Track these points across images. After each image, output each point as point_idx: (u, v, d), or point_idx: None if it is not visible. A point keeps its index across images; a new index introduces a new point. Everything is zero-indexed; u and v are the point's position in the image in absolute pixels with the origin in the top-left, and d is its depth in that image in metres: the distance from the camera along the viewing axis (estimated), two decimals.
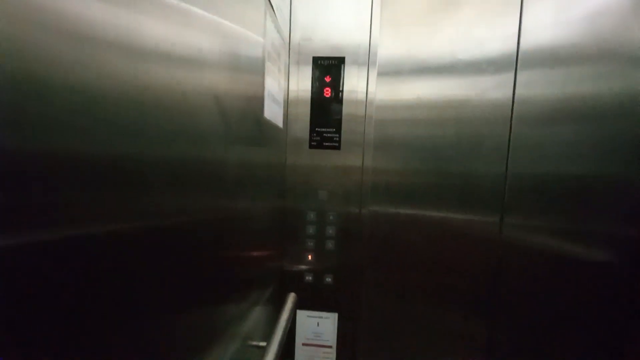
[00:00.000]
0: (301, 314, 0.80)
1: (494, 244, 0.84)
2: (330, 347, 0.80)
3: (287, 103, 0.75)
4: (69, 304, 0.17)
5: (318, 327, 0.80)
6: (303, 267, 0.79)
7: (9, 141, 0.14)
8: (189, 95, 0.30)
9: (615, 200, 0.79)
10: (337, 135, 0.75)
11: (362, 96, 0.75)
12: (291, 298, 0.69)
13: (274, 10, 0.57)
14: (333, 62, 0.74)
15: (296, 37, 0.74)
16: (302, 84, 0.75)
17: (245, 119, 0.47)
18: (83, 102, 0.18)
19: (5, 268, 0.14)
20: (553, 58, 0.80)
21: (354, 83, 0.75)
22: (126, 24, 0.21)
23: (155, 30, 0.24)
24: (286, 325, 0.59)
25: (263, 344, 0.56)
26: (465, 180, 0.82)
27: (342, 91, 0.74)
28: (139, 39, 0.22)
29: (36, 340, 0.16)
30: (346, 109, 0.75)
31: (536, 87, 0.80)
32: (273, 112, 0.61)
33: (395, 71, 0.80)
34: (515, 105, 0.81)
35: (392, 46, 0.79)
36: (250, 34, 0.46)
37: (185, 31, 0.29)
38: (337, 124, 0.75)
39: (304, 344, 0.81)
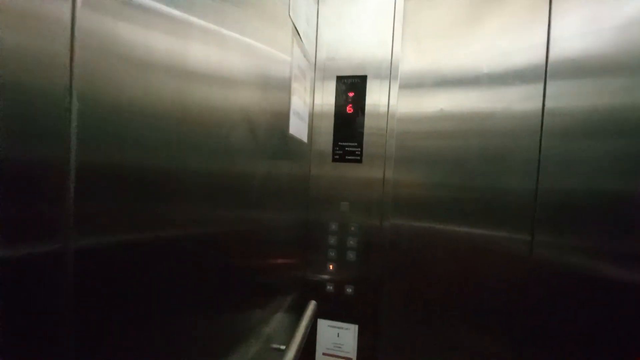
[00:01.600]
0: (322, 323, 0.82)
1: (524, 262, 0.80)
2: (350, 358, 0.81)
3: (312, 118, 0.80)
4: (105, 307, 0.21)
5: (338, 338, 0.81)
6: (324, 276, 0.81)
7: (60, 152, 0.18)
8: (224, 113, 0.35)
9: None
10: (359, 149, 0.78)
11: (383, 110, 0.77)
12: (312, 305, 0.71)
13: (300, 36, 0.62)
14: (356, 80, 0.77)
15: (322, 56, 0.80)
16: (326, 100, 0.79)
17: (272, 135, 0.51)
18: (139, 119, 0.23)
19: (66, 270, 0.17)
20: (584, 69, 0.77)
21: (375, 97, 0.77)
22: (177, 50, 0.26)
23: (199, 56, 0.29)
24: (305, 330, 0.61)
25: (283, 347, 0.59)
26: (491, 195, 0.81)
27: (364, 107, 0.77)
28: (183, 63, 0.27)
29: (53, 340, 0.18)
30: (368, 123, 0.78)
31: (567, 99, 0.78)
32: (298, 128, 0.66)
33: (417, 84, 0.82)
34: (545, 117, 0.79)
35: (414, 60, 0.82)
36: (279, 58, 0.52)
37: (224, 56, 0.34)
38: (359, 138, 0.77)
39: (324, 354, 0.82)
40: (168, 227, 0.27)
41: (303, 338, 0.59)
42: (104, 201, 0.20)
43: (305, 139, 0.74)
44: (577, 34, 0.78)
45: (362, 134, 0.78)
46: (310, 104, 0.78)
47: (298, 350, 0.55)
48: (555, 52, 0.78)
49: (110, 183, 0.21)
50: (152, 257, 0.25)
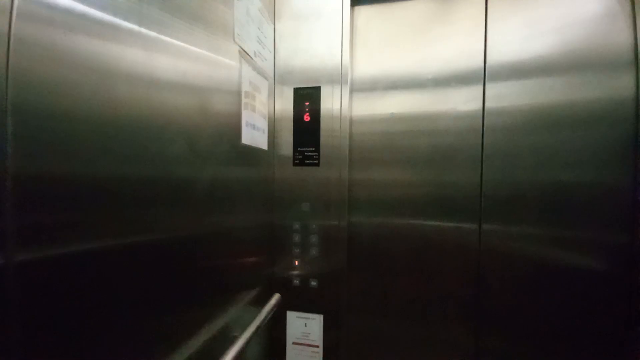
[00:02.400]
0: (291, 315, 0.89)
1: (474, 251, 0.87)
2: (317, 346, 0.87)
3: (273, 127, 0.87)
4: (80, 307, 0.27)
5: (306, 328, 0.88)
6: (291, 272, 0.88)
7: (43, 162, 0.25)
8: (187, 127, 0.42)
9: (592, 206, 0.80)
10: (317, 153, 0.85)
11: (337, 114, 0.84)
12: (275, 297, 0.78)
13: (250, 55, 0.70)
14: (310, 90, 0.84)
15: (280, 69, 0.87)
16: (285, 110, 0.87)
17: (223, 146, 0.59)
18: (96, 128, 0.30)
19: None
20: (522, 71, 0.84)
21: (329, 104, 0.84)
22: (142, 69, 0.33)
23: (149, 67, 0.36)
24: (264, 317, 0.68)
25: (236, 334, 0.66)
26: (440, 189, 0.88)
27: (319, 114, 0.84)
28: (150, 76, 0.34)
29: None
30: (324, 127, 0.85)
31: (507, 99, 0.85)
32: (253, 138, 0.73)
33: (370, 88, 0.89)
34: (485, 116, 0.86)
35: (365, 67, 0.89)
36: (226, 77, 0.59)
37: (176, 77, 0.41)
38: (316, 144, 0.85)
39: (294, 343, 0.89)
40: (143, 232, 0.34)
41: (260, 325, 0.66)
42: (53, 209, 0.27)
43: (264, 146, 0.81)
44: (515, 39, 0.85)
45: (318, 139, 0.85)
46: (271, 114, 0.85)
47: (253, 334, 0.62)
48: (493, 57, 0.85)
49: (58, 192, 0.27)
50: (126, 259, 0.32)
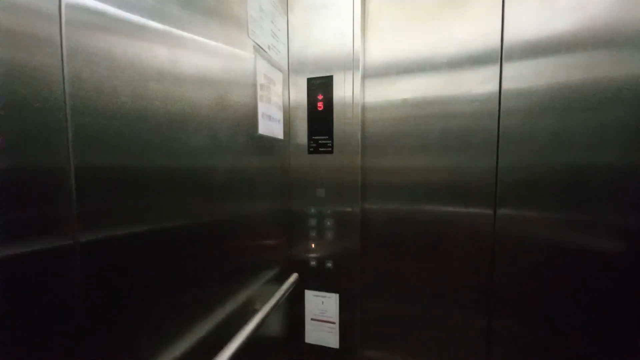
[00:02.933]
0: (308, 294, 0.95)
1: (488, 236, 0.88)
2: (333, 322, 0.93)
3: (289, 116, 0.91)
4: (122, 299, 0.34)
5: (323, 305, 0.94)
6: (307, 254, 0.94)
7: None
8: (208, 120, 0.48)
9: (611, 188, 0.77)
10: (330, 141, 0.88)
11: (349, 100, 0.86)
12: (293, 276, 0.85)
13: (264, 49, 0.73)
14: (323, 80, 0.87)
15: (294, 60, 0.90)
16: (300, 100, 0.90)
17: (240, 137, 0.64)
18: (133, 122, 0.36)
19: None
20: (541, 49, 0.81)
21: (342, 91, 0.87)
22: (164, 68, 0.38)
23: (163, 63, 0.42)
24: (283, 294, 0.74)
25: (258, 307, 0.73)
26: (455, 174, 0.88)
27: (332, 103, 0.87)
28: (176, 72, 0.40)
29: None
30: (337, 115, 0.87)
31: (524, 79, 0.83)
32: (269, 128, 0.77)
33: (383, 74, 0.90)
34: (502, 98, 0.84)
35: (378, 53, 0.90)
36: (242, 72, 0.63)
37: (193, 71, 0.46)
38: (329, 132, 0.88)
39: (312, 319, 0.96)
40: (184, 217, 0.39)
41: (279, 300, 0.72)
42: (104, 199, 0.33)
43: (280, 135, 0.85)
44: (534, 17, 0.82)
45: (332, 127, 0.88)
46: (286, 104, 0.89)
47: (272, 309, 0.68)
48: (510, 36, 0.83)
49: (110, 182, 0.33)
50: (163, 241, 0.37)
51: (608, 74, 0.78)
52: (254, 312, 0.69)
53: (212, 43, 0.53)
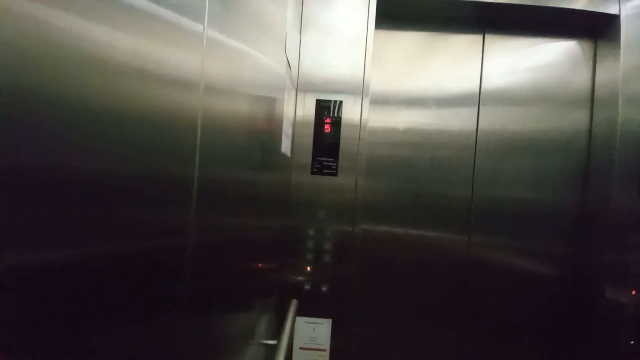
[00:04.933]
0: (300, 320, 0.90)
1: (464, 260, 0.99)
2: (324, 350, 0.90)
3: (293, 135, 0.88)
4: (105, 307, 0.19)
5: (314, 332, 0.90)
6: (302, 277, 0.90)
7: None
8: (229, 132, 0.42)
9: (554, 222, 0.97)
10: (335, 164, 0.88)
11: (356, 123, 0.89)
12: (294, 304, 0.79)
13: (290, 66, 0.71)
14: (333, 103, 0.88)
15: (303, 78, 0.89)
16: (307, 119, 0.89)
17: (267, 152, 0.59)
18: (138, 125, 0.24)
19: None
20: (506, 99, 0.99)
21: (349, 114, 0.89)
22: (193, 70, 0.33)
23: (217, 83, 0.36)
24: (292, 326, 0.69)
25: (273, 342, 0.66)
26: (439, 201, 0.98)
27: (340, 127, 0.88)
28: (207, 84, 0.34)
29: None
30: (344, 139, 0.89)
31: (495, 122, 0.99)
32: (285, 145, 0.74)
33: (383, 102, 0.97)
34: (478, 136, 0.98)
35: (380, 83, 0.96)
36: (276, 89, 0.60)
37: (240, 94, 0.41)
38: (335, 155, 0.88)
39: (301, 348, 0.90)
40: (168, 235, 0.27)
41: (291, 333, 0.67)
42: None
43: (289, 153, 0.82)
44: (504, 71, 0.99)
45: (338, 150, 0.88)
46: (292, 121, 0.86)
47: (288, 344, 0.62)
48: (486, 84, 0.99)
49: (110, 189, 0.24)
50: (149, 263, 0.26)
51: (548, 126, 0.99)
52: (268, 347, 0.62)
53: (260, 55, 0.50)
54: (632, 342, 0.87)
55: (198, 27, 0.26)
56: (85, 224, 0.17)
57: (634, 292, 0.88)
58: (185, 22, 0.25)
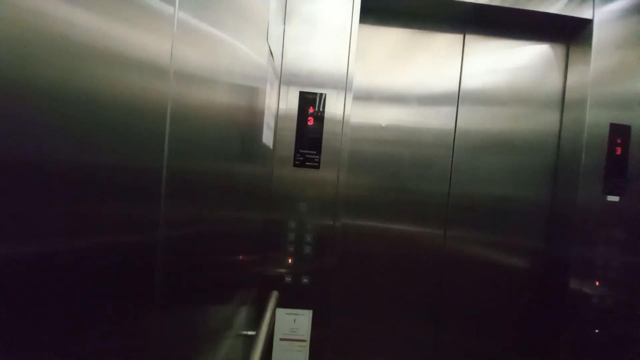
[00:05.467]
0: (280, 312, 0.90)
1: (439, 253, 1.02)
2: (304, 340, 0.91)
3: (276, 127, 0.88)
4: (76, 305, 0.19)
5: (295, 323, 0.91)
6: (283, 270, 0.90)
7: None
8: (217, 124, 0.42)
9: (526, 217, 1.01)
10: (318, 156, 0.89)
11: (339, 118, 0.89)
12: (274, 295, 0.80)
13: (272, 56, 0.70)
14: (316, 96, 0.88)
15: (287, 70, 0.88)
16: (289, 111, 0.88)
17: (247, 143, 0.59)
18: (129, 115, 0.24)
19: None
20: (483, 99, 1.02)
21: (332, 108, 0.89)
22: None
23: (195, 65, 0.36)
24: (271, 317, 0.69)
25: (252, 332, 0.66)
26: (418, 196, 1.00)
27: (323, 119, 0.89)
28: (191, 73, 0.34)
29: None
30: (327, 132, 0.89)
31: (472, 121, 1.02)
32: (267, 137, 0.74)
33: (365, 98, 0.97)
34: (456, 135, 1.01)
35: (362, 78, 0.97)
36: (258, 78, 0.59)
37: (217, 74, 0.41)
38: (318, 147, 0.88)
39: (281, 339, 0.91)
40: (149, 227, 0.27)
41: (270, 323, 0.67)
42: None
43: (271, 145, 0.81)
44: (482, 71, 1.02)
45: (320, 143, 0.89)
46: (275, 113, 0.86)
47: (267, 334, 0.63)
48: (465, 84, 1.01)
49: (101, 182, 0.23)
50: (129, 256, 0.25)
51: (521, 126, 1.03)
52: (247, 338, 0.62)
53: (240, 43, 0.49)
54: (597, 331, 0.93)
55: (168, 8, 0.26)
56: (50, 216, 0.16)
57: (597, 283, 0.94)
58: (154, 2, 0.24)
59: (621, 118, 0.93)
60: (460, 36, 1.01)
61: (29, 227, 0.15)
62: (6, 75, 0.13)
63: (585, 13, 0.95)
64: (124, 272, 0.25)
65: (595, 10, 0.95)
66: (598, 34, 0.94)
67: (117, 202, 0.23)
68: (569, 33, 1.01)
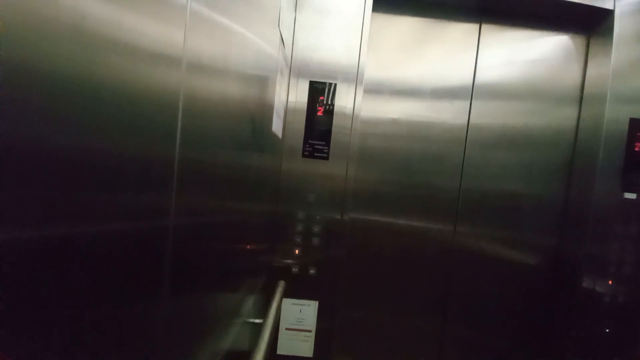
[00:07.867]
0: (286, 302, 0.91)
1: (449, 248, 1.01)
2: (310, 330, 0.92)
3: (285, 115, 0.87)
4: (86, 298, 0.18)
5: (300, 314, 0.92)
6: (291, 260, 0.91)
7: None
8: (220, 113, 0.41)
9: (538, 214, 0.99)
10: (327, 147, 0.88)
11: (349, 111, 0.88)
12: (281, 285, 0.80)
13: (284, 43, 0.69)
14: (327, 86, 0.87)
15: (297, 59, 0.87)
16: (299, 100, 0.87)
17: (257, 132, 0.58)
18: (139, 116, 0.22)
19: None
20: (498, 93, 0.99)
21: (343, 101, 0.88)
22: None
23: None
24: (278, 306, 0.70)
25: (259, 321, 0.67)
26: (428, 191, 0.99)
27: (333, 110, 0.87)
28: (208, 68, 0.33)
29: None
30: (336, 123, 0.88)
31: (485, 116, 0.99)
32: (277, 126, 0.73)
33: (376, 91, 0.96)
34: (469, 129, 0.99)
35: (374, 70, 0.95)
36: (269, 65, 0.58)
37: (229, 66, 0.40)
38: (327, 138, 0.87)
39: (287, 329, 0.92)
40: (157, 216, 0.27)
41: (277, 312, 0.68)
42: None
43: (280, 134, 0.81)
44: (498, 63, 0.99)
45: (330, 134, 0.88)
46: (285, 105, 0.85)
47: (274, 323, 0.64)
48: (480, 77, 0.98)
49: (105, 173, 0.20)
50: (141, 244, 0.25)
51: (538, 121, 1.00)
52: (254, 325, 0.63)
53: (251, 31, 0.48)
54: (607, 330, 0.92)
55: None
56: (64, 205, 0.16)
57: (610, 282, 0.92)
58: None
59: None
60: (476, 26, 0.98)
61: (47, 216, 0.15)
62: (21, 66, 0.13)
63: (606, 3, 0.91)
64: (138, 258, 0.25)
65: (617, 1, 0.90)
66: (619, 25, 0.90)
67: (131, 192, 0.23)
68: (589, 24, 0.96)
